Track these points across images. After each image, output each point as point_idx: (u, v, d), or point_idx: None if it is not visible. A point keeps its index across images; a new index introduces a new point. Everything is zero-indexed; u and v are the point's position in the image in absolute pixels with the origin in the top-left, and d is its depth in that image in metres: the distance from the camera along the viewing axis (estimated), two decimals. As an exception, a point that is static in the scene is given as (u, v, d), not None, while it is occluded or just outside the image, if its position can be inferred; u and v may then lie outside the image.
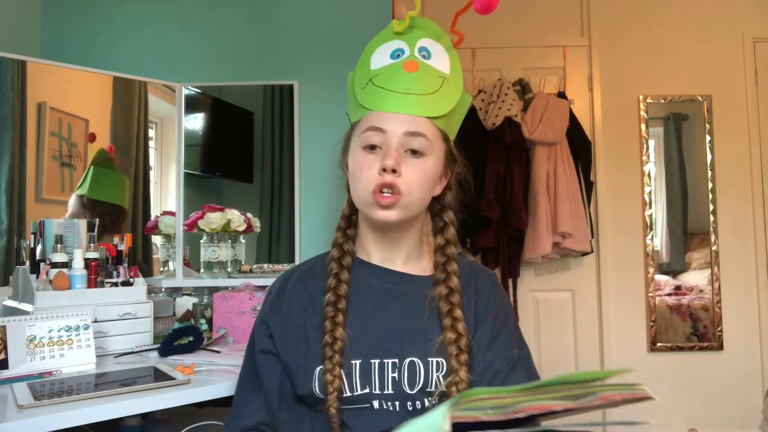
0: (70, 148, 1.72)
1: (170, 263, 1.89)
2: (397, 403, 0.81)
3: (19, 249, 1.51)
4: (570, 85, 2.95)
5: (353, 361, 0.82)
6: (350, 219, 0.94)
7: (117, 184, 1.79)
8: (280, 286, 0.94)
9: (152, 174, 1.90)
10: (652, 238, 3.01)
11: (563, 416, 0.52)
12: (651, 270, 2.99)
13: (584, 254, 2.88)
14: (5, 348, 1.13)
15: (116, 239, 1.55)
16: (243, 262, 1.88)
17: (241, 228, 1.80)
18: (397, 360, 0.82)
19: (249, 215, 1.85)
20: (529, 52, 2.97)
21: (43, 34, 2.01)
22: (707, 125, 3.00)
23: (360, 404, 0.82)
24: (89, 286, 1.36)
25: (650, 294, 2.98)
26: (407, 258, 0.91)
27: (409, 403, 0.81)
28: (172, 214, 1.85)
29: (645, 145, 3.02)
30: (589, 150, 2.93)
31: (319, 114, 1.94)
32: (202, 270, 1.83)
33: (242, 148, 2.03)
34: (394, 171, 0.81)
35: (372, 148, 0.84)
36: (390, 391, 0.81)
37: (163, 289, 1.86)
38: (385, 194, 0.82)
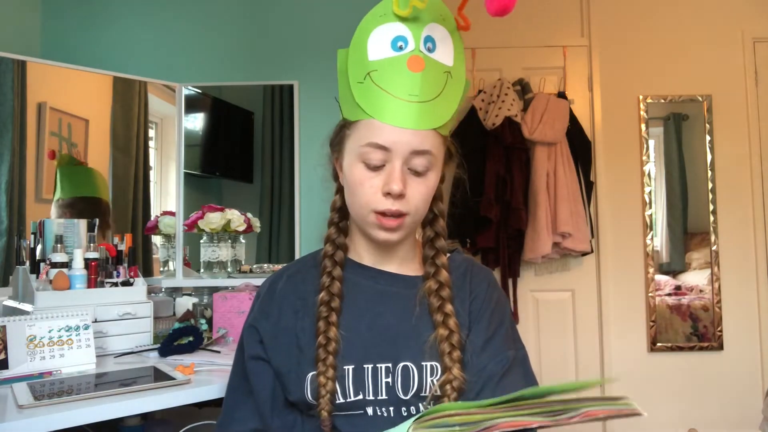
0: (70, 148, 1.72)
1: (170, 263, 1.89)
2: (391, 408, 0.78)
3: (19, 249, 1.51)
4: (570, 85, 2.95)
5: (346, 367, 0.79)
6: (342, 210, 0.88)
7: (86, 178, 1.77)
8: (269, 288, 0.90)
9: (152, 174, 1.90)
10: (652, 238, 3.01)
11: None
12: (651, 270, 2.99)
13: (584, 254, 2.88)
14: (5, 348, 1.13)
15: (116, 239, 1.55)
16: (243, 262, 1.88)
17: (241, 228, 1.80)
18: (390, 364, 0.79)
19: (249, 215, 1.85)
20: (529, 52, 2.97)
21: (43, 34, 2.01)
22: (707, 125, 3.00)
23: (353, 411, 0.79)
24: (89, 286, 1.36)
25: (650, 294, 2.98)
26: (401, 261, 0.88)
27: (403, 409, 0.79)
28: (172, 214, 1.85)
29: (645, 145, 3.01)
30: (589, 150, 2.93)
31: (319, 114, 1.94)
32: (202, 270, 1.83)
33: (242, 148, 2.03)
34: (400, 195, 0.76)
35: (373, 163, 0.77)
36: (384, 397, 0.78)
37: (163, 289, 1.86)
38: (389, 218, 0.78)
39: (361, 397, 0.78)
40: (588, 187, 2.88)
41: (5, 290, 1.52)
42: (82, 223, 1.49)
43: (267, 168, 1.97)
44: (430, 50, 0.77)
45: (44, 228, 1.43)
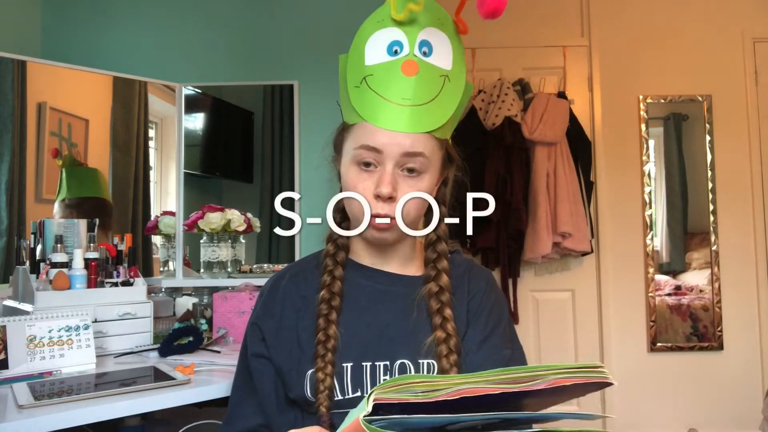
0: (70, 148, 1.72)
1: (170, 263, 1.89)
2: None
3: (19, 249, 1.51)
4: (570, 85, 2.95)
5: (345, 364, 0.80)
6: (344, 210, 0.88)
7: (91, 178, 1.78)
8: (271, 287, 0.91)
9: (152, 174, 1.90)
10: (652, 238, 3.01)
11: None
12: (651, 270, 2.99)
13: (584, 254, 2.88)
14: (5, 348, 1.13)
15: (116, 239, 1.55)
16: (243, 262, 1.88)
17: (241, 228, 1.80)
18: (388, 362, 0.80)
19: (249, 215, 1.85)
20: (529, 52, 2.97)
21: (43, 34, 2.01)
22: (707, 125, 3.00)
23: (352, 408, 0.80)
24: (89, 286, 1.36)
25: (650, 294, 2.98)
26: (400, 261, 0.89)
27: None
28: (172, 214, 1.85)
29: (645, 145, 3.02)
30: (589, 150, 2.93)
31: (319, 114, 1.94)
32: (202, 270, 1.83)
33: (242, 148, 2.03)
34: (390, 197, 0.77)
35: (366, 164, 0.79)
36: None
37: (163, 289, 1.86)
38: (380, 222, 0.79)
39: (359, 394, 0.79)
40: (588, 187, 2.88)
41: (5, 290, 1.52)
42: (82, 223, 1.49)
43: (267, 168, 1.97)
44: (425, 54, 0.78)
45: (44, 228, 1.43)
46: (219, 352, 1.37)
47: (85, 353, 1.22)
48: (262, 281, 1.67)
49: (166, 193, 1.91)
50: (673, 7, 3.03)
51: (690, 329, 2.97)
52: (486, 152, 2.75)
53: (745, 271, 2.97)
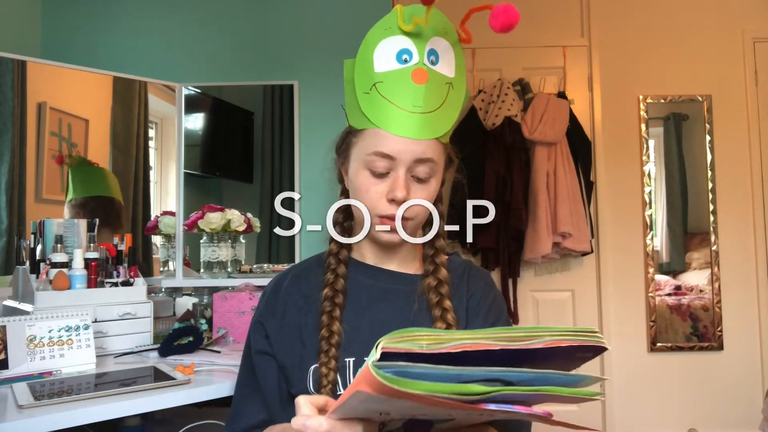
0: (70, 148, 1.72)
1: (170, 263, 1.89)
2: None
3: (19, 249, 1.51)
4: (570, 85, 2.95)
5: (347, 359, 0.82)
6: (347, 212, 0.92)
7: (98, 177, 1.78)
8: (274, 286, 0.93)
9: (152, 174, 1.90)
10: (652, 238, 3.01)
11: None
12: (651, 270, 2.99)
13: (584, 254, 2.88)
14: (5, 348, 1.13)
15: (116, 239, 1.55)
16: (243, 262, 1.88)
17: (241, 228, 1.80)
18: None
19: (249, 215, 1.85)
20: (529, 52, 2.97)
21: (43, 34, 2.01)
22: (707, 125, 3.00)
23: None
24: (89, 286, 1.36)
25: (650, 294, 2.98)
26: (402, 260, 0.92)
27: None
28: (172, 214, 1.85)
29: (645, 145, 3.02)
30: (589, 150, 2.93)
31: (319, 114, 1.94)
32: (202, 270, 1.83)
33: (242, 148, 2.03)
34: (404, 201, 0.81)
35: (380, 175, 0.82)
36: None
37: (163, 289, 1.86)
38: (393, 220, 0.82)
39: None
40: (588, 187, 2.88)
41: (5, 290, 1.52)
42: (82, 223, 1.49)
43: (267, 168, 1.97)
44: (433, 63, 0.81)
45: (44, 228, 1.43)
46: (219, 352, 1.37)
47: (85, 353, 1.22)
48: (262, 281, 1.68)
49: (166, 193, 1.92)
50: (673, 7, 3.04)
51: (690, 329, 2.97)
52: (486, 152, 2.75)
53: (745, 271, 2.97)
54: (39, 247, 1.42)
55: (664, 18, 3.03)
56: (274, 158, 1.96)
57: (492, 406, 0.48)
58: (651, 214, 3.01)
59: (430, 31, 0.80)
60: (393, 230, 0.83)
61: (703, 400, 2.91)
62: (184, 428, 1.18)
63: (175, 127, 1.86)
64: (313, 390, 0.81)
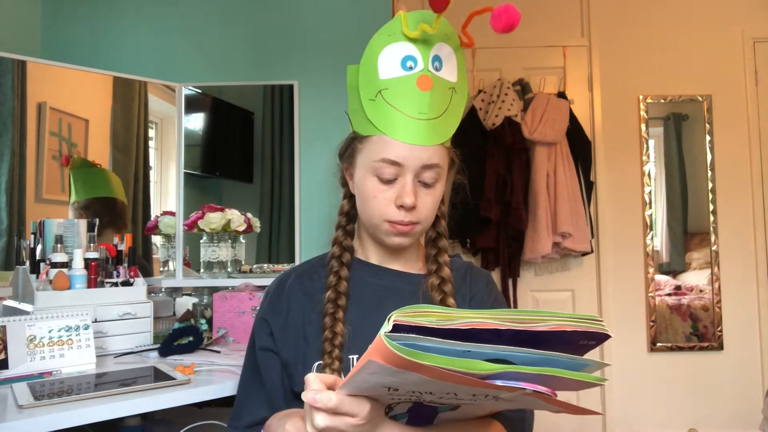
0: (70, 148, 1.72)
1: (170, 263, 1.89)
2: None
3: (19, 249, 1.51)
4: (570, 85, 2.95)
5: (351, 356, 0.82)
6: (350, 215, 0.94)
7: (100, 178, 1.79)
8: (277, 285, 0.94)
9: (152, 174, 1.90)
10: (652, 238, 3.01)
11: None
12: (651, 270, 2.99)
13: (584, 254, 2.88)
14: (5, 348, 1.13)
15: (116, 239, 1.55)
16: (243, 262, 1.88)
17: (241, 228, 1.80)
18: None
19: (249, 215, 1.85)
20: (529, 52, 2.97)
21: (43, 34, 2.01)
22: (707, 125, 3.00)
23: None
24: (89, 286, 1.36)
25: (650, 294, 2.98)
26: (406, 260, 0.93)
27: None
28: (172, 214, 1.85)
29: (645, 145, 3.02)
30: (589, 150, 2.93)
31: (319, 114, 1.94)
32: (202, 270, 1.83)
33: (242, 148, 2.03)
34: (412, 207, 0.82)
35: (387, 181, 0.83)
36: None
37: (163, 289, 1.86)
38: (401, 227, 0.83)
39: None
40: (588, 187, 2.88)
41: (5, 290, 1.52)
42: (82, 223, 1.49)
43: (267, 168, 1.97)
44: (437, 69, 0.81)
45: (44, 228, 1.43)
46: (219, 352, 1.37)
47: (85, 353, 1.22)
48: (262, 281, 1.68)
49: (166, 193, 1.91)
50: (673, 7, 3.04)
51: (690, 329, 2.97)
52: (486, 152, 2.75)
53: (745, 271, 2.97)
54: (39, 247, 1.42)
55: (664, 18, 3.03)
56: (274, 158, 1.96)
57: (499, 382, 0.49)
58: (651, 214, 3.01)
59: (434, 37, 0.81)
60: (402, 235, 0.84)
61: (703, 400, 2.91)
62: (184, 428, 1.18)
63: (175, 127, 1.86)
64: None
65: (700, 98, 3.01)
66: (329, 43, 2.01)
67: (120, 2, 2.03)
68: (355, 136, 0.87)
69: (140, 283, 1.45)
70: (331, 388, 0.62)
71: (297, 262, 1.84)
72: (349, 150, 0.88)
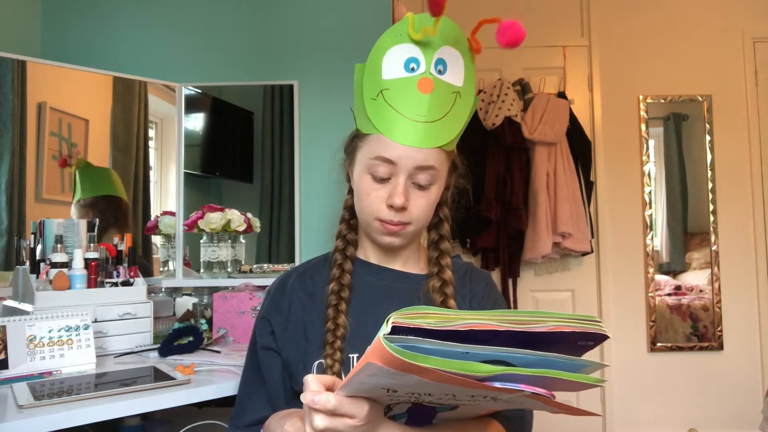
0: (70, 148, 1.72)
1: (170, 263, 1.89)
2: None
3: (19, 249, 1.51)
4: (570, 85, 2.95)
5: (351, 355, 0.82)
6: (353, 210, 0.93)
7: (104, 177, 1.79)
8: (279, 284, 0.95)
9: (152, 174, 1.90)
10: (652, 238, 3.01)
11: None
12: (651, 270, 2.99)
13: (584, 254, 2.88)
14: (5, 348, 1.13)
15: (116, 239, 1.55)
16: (243, 262, 1.88)
17: (241, 228, 1.80)
18: None
19: (249, 215, 1.85)
20: (529, 52, 2.97)
21: (43, 34, 2.01)
22: (707, 125, 3.00)
23: None
24: (89, 286, 1.36)
25: (650, 294, 2.98)
26: (405, 261, 0.93)
27: None
28: (172, 214, 1.85)
29: (645, 145, 3.02)
30: (589, 150, 2.93)
31: (319, 114, 1.94)
32: (202, 270, 1.83)
33: (242, 148, 2.02)
34: (402, 207, 0.82)
35: (381, 180, 0.83)
36: None
37: (163, 289, 1.86)
38: (391, 226, 0.84)
39: None
40: (588, 187, 2.88)
41: (5, 290, 1.52)
42: (82, 223, 1.49)
43: (267, 168, 1.97)
44: (440, 72, 0.81)
45: (44, 228, 1.43)
46: (219, 352, 1.37)
47: (85, 353, 1.22)
48: (262, 281, 1.68)
49: (166, 193, 1.91)
50: (673, 7, 3.04)
51: (690, 329, 2.97)
52: (486, 152, 2.75)
53: (745, 271, 2.97)
54: (39, 247, 1.42)
55: (664, 18, 3.03)
56: (274, 158, 1.96)
57: (497, 384, 0.50)
58: (651, 214, 3.01)
59: (439, 41, 0.81)
60: (392, 234, 0.85)
61: (703, 400, 2.91)
62: (184, 428, 1.18)
63: (175, 127, 1.86)
64: None
65: (700, 98, 3.01)
66: (329, 43, 2.01)
67: (120, 2, 2.03)
68: (357, 133, 0.88)
69: (140, 283, 1.45)
70: (330, 389, 0.62)
71: (297, 262, 1.84)
72: (351, 146, 0.90)
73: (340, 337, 0.82)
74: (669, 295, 3.01)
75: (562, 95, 2.86)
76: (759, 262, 2.96)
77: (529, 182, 2.80)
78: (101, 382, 1.12)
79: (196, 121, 1.94)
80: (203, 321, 1.63)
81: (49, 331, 1.19)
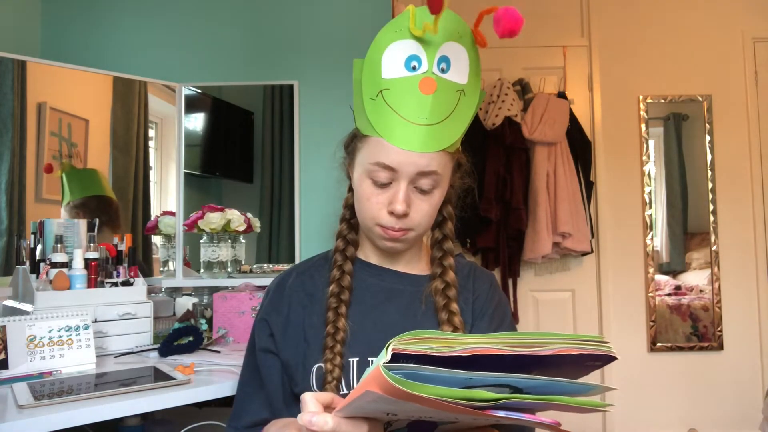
0: (70, 148, 1.72)
1: (170, 263, 1.89)
2: None
3: (19, 249, 1.51)
4: (570, 85, 2.95)
5: (351, 359, 0.81)
6: (354, 208, 0.90)
7: (90, 178, 1.78)
8: (278, 284, 0.93)
9: (152, 174, 1.90)
10: (652, 238, 3.01)
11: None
12: (651, 270, 2.99)
13: (584, 254, 2.88)
14: (5, 348, 1.13)
15: (116, 239, 1.55)
16: (243, 262, 1.88)
17: (241, 228, 1.80)
18: None
19: (249, 215, 1.85)
20: (529, 52, 2.97)
21: (43, 34, 2.01)
22: (707, 125, 3.00)
23: None
24: (89, 286, 1.36)
25: (650, 294, 2.98)
26: (407, 261, 0.91)
27: None
28: (172, 214, 1.85)
29: (645, 145, 3.02)
30: (589, 150, 2.93)
31: (319, 114, 1.94)
32: (202, 270, 1.83)
33: (242, 148, 2.02)
34: (403, 214, 0.80)
35: (382, 185, 0.80)
36: None
37: (163, 289, 1.86)
38: (392, 232, 0.82)
39: None
40: (588, 187, 2.88)
41: (5, 290, 1.52)
42: (82, 223, 1.49)
43: (267, 168, 1.97)
44: (443, 71, 0.77)
45: (44, 228, 1.43)
46: (219, 352, 1.37)
47: (85, 353, 1.22)
48: (262, 281, 1.68)
49: (166, 193, 1.91)
50: (673, 8, 3.04)
51: (690, 329, 2.97)
52: (486, 152, 2.75)
53: (745, 271, 2.97)
54: (39, 247, 1.42)
55: (664, 18, 3.03)
56: (274, 158, 1.96)
57: (500, 413, 0.48)
58: (651, 214, 3.01)
59: (441, 36, 0.77)
60: (394, 240, 0.83)
61: (703, 400, 2.91)
62: (184, 428, 1.18)
63: (175, 127, 1.86)
64: (316, 388, 0.81)
65: (700, 98, 3.01)
66: (329, 43, 2.01)
67: (120, 2, 2.03)
68: (356, 133, 0.85)
69: (140, 283, 1.45)
70: (328, 407, 0.61)
71: (297, 262, 1.84)
72: (351, 146, 0.87)
73: (340, 342, 0.80)
74: (669, 295, 3.01)
75: (562, 95, 2.86)
76: (759, 262, 2.96)
77: (529, 182, 2.80)
78: (101, 382, 1.12)
79: (196, 121, 1.94)
80: (203, 321, 1.63)
81: (49, 331, 1.19)
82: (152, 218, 1.87)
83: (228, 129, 2.04)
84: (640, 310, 2.98)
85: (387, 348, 0.49)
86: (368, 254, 0.91)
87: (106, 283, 1.42)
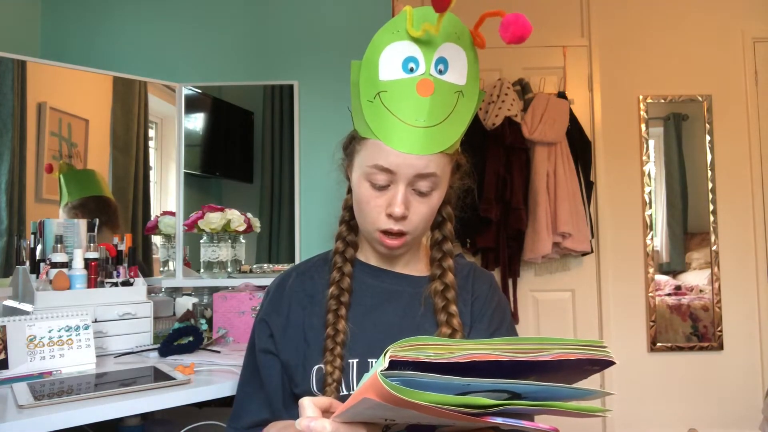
0: (70, 148, 1.72)
1: (170, 263, 1.89)
2: None
3: (19, 249, 1.51)
4: (570, 85, 2.95)
5: (350, 360, 0.81)
6: (350, 224, 0.92)
7: (88, 178, 1.78)
8: (278, 284, 0.93)
9: (152, 174, 1.90)
10: (652, 238, 3.01)
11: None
12: (651, 270, 2.99)
13: (584, 254, 2.88)
14: (5, 348, 1.13)
15: (116, 239, 1.55)
16: (243, 262, 1.88)
17: (241, 228, 1.80)
18: None
19: (249, 215, 1.85)
20: (529, 52, 2.97)
21: (42, 34, 2.01)
22: (707, 125, 3.00)
23: None
24: (89, 286, 1.36)
25: (650, 294, 2.98)
26: (407, 262, 0.91)
27: None
28: (172, 214, 1.85)
29: (645, 145, 3.02)
30: (589, 150, 2.93)
31: (319, 114, 1.94)
32: (202, 270, 1.83)
33: (242, 148, 2.03)
34: (402, 217, 0.80)
35: (380, 187, 0.80)
36: None
37: (163, 289, 1.86)
38: (391, 236, 0.82)
39: None
40: (588, 187, 2.88)
41: (5, 290, 1.52)
42: (82, 223, 1.49)
43: (267, 168, 1.97)
44: (441, 72, 0.77)
45: (44, 228, 1.43)
46: (219, 352, 1.37)
47: (85, 353, 1.22)
48: (262, 281, 1.68)
49: (166, 193, 1.91)
50: (673, 8, 3.04)
51: (690, 329, 2.97)
52: (486, 152, 2.75)
53: (745, 271, 2.97)
54: (39, 247, 1.42)
55: (664, 18, 3.03)
56: (274, 158, 1.96)
57: (498, 420, 0.48)
58: (651, 214, 3.01)
59: (440, 38, 0.76)
60: (391, 248, 0.83)
61: (703, 400, 2.91)
62: (184, 428, 1.18)
63: (175, 127, 1.86)
64: (316, 390, 0.81)
65: (700, 98, 3.01)
66: (329, 43, 2.01)
67: (120, 2, 2.03)
68: (354, 135, 0.85)
69: (140, 283, 1.45)
70: (327, 411, 0.61)
71: (297, 262, 1.84)
72: (350, 148, 0.87)
73: (340, 344, 0.80)
74: (669, 295, 3.01)
75: (562, 95, 2.86)
76: (759, 262, 2.96)
77: (529, 182, 2.80)
78: (101, 382, 1.12)
79: (196, 121, 1.95)
80: (203, 321, 1.63)
81: (49, 331, 1.19)
82: (152, 218, 1.87)
83: (228, 129, 2.04)
84: (640, 310, 2.98)
85: (384, 355, 0.49)
86: (368, 255, 0.91)
87: (106, 283, 1.42)
